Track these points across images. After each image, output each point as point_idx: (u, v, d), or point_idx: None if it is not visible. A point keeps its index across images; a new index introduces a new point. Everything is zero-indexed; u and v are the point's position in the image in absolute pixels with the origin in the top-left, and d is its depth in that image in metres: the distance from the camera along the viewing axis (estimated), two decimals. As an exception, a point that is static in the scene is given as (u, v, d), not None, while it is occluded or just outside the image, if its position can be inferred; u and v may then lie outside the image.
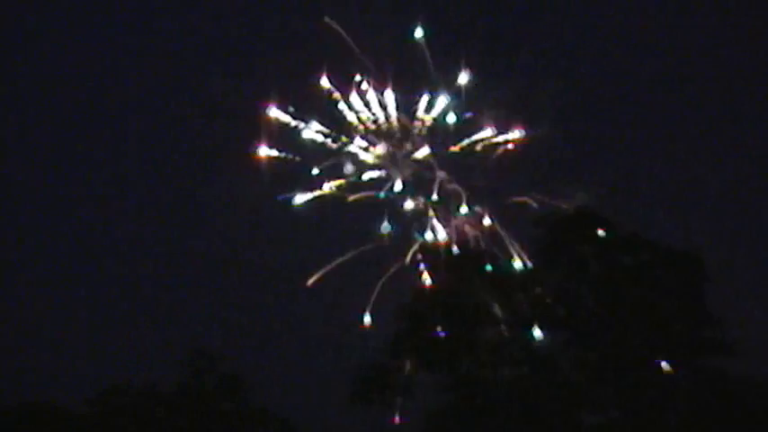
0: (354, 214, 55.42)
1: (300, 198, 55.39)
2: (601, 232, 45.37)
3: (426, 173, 56.25)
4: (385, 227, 53.52)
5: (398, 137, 56.08)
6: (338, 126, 56.05)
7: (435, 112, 55.40)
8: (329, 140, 55.78)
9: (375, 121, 55.82)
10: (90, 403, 49.22)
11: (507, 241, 53.33)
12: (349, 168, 55.05)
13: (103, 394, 49.26)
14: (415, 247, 53.93)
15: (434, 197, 55.67)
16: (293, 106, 55.88)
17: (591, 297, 44.80)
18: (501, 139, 55.33)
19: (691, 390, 42.87)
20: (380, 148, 55.69)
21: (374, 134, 56.09)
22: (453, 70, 55.29)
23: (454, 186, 56.00)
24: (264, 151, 55.66)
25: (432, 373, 45.52)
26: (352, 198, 55.44)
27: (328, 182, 55.50)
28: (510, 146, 55.47)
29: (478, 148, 55.71)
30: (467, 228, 54.99)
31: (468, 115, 55.67)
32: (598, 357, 43.70)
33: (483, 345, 45.33)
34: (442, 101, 55.26)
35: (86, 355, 54.37)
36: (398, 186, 55.31)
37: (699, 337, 43.34)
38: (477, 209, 55.58)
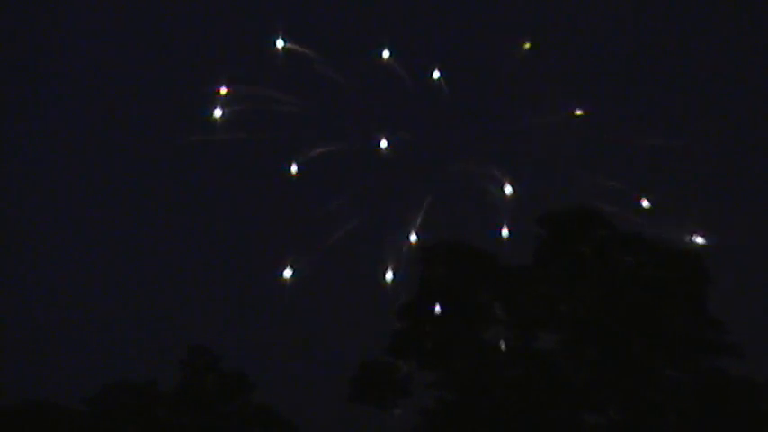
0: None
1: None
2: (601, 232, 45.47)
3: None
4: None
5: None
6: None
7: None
8: None
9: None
10: (90, 402, 49.20)
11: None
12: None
13: (103, 393, 49.24)
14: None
15: None
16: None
17: (591, 297, 44.79)
18: None
19: (691, 390, 42.91)
20: None
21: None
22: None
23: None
24: None
25: (431, 372, 45.59)
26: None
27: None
28: None
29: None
30: None
31: None
32: (598, 357, 43.70)
33: (483, 344, 45.40)
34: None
35: (86, 353, 54.33)
36: None
37: (699, 337, 43.39)
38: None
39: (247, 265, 57.50)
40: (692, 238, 48.17)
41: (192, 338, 50.86)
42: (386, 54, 53.84)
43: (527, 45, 54.40)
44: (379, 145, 54.50)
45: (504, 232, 48.16)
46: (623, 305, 43.94)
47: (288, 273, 53.53)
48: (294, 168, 54.50)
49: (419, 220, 52.78)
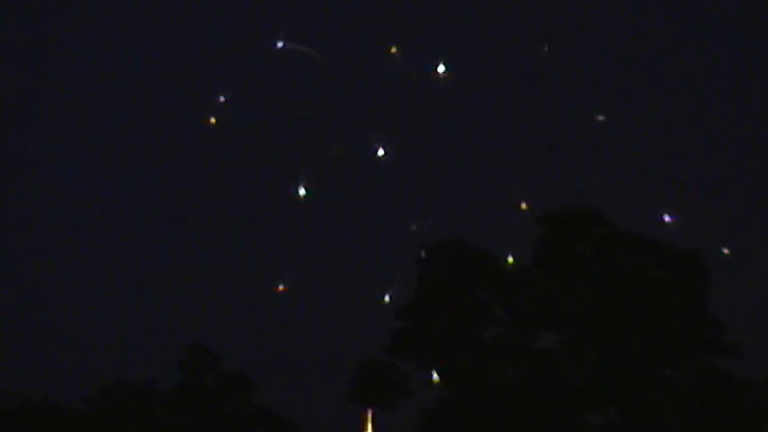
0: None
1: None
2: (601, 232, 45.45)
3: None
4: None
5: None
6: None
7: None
8: None
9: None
10: (90, 402, 49.20)
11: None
12: None
13: (103, 393, 49.23)
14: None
15: None
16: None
17: (591, 297, 44.75)
18: None
19: (691, 390, 42.87)
20: None
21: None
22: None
23: None
24: None
25: (430, 372, 45.56)
26: None
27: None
28: None
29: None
30: None
31: None
32: (598, 357, 43.67)
33: (483, 344, 45.37)
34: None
35: (86, 353, 54.39)
36: None
37: (699, 337, 43.36)
38: None
39: (247, 265, 57.52)
40: (721, 249, 48.17)
41: (191, 338, 50.90)
42: (393, 49, 53.75)
43: (546, 48, 54.31)
44: (377, 152, 54.51)
45: (510, 259, 48.13)
46: (623, 305, 43.89)
47: (281, 286, 53.57)
48: (302, 192, 54.52)
49: (424, 226, 52.84)
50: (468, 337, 45.26)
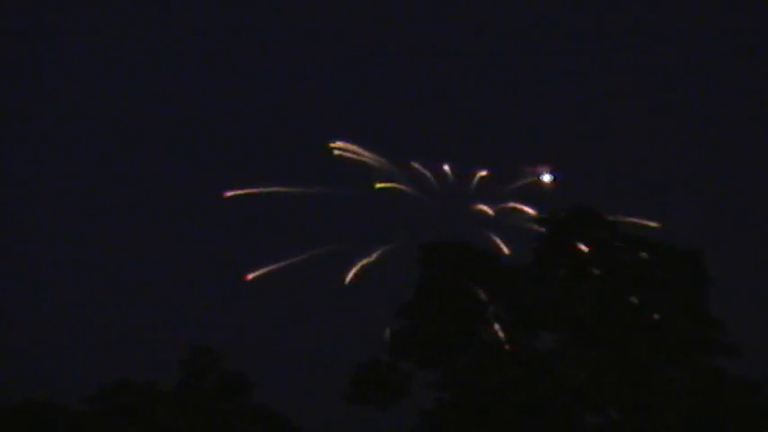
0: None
1: None
2: (601, 232, 45.47)
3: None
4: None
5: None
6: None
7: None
8: None
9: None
10: (90, 402, 49.22)
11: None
12: None
13: (103, 392, 49.25)
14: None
15: None
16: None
17: (591, 297, 44.77)
18: None
19: (691, 390, 42.88)
20: None
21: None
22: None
23: None
24: None
25: (430, 372, 45.54)
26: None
27: None
28: None
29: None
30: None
31: None
32: (598, 357, 43.68)
33: (483, 344, 45.35)
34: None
35: (86, 353, 54.45)
36: None
37: (699, 337, 43.37)
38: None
39: (247, 265, 57.54)
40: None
41: (192, 338, 50.93)
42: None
43: None
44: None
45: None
46: (623, 305, 43.90)
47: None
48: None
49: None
50: (468, 337, 45.25)
